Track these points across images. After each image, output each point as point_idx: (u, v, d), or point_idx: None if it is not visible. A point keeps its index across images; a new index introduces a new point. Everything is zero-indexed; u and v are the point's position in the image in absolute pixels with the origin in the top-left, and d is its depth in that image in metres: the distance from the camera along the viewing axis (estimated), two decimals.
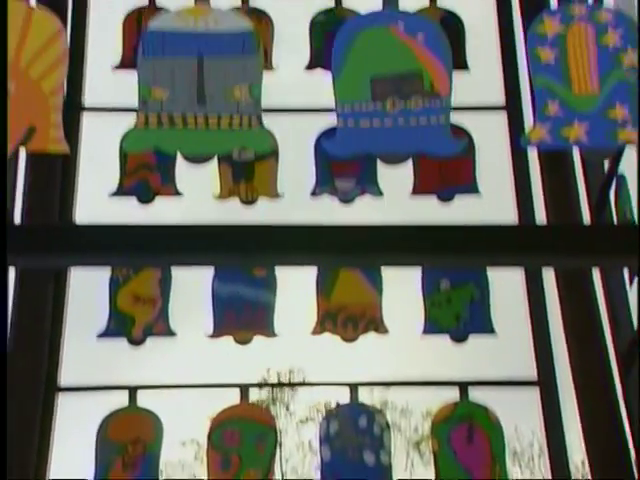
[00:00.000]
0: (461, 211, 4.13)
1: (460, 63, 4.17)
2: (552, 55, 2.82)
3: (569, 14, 2.87)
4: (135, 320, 3.93)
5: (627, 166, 3.50)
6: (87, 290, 4.12)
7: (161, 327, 3.94)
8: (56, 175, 4.04)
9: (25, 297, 3.83)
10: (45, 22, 2.81)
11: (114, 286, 3.96)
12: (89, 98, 4.28)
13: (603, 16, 2.85)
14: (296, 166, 4.41)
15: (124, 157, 4.06)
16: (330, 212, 4.23)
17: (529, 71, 2.94)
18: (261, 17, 4.24)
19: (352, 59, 2.91)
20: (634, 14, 2.96)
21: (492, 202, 4.09)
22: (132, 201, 4.10)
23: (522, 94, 4.21)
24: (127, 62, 4.14)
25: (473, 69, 4.22)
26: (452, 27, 4.19)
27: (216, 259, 2.88)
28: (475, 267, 3.76)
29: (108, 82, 4.39)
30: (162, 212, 4.16)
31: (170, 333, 3.95)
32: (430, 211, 4.11)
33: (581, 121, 2.73)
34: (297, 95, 4.54)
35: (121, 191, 4.09)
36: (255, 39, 2.96)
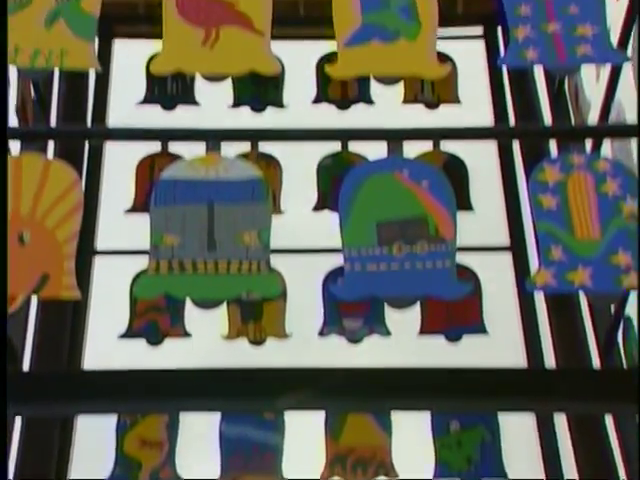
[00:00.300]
0: (469, 350, 4.11)
1: (464, 204, 4.25)
2: (554, 202, 2.88)
3: (569, 163, 2.96)
4: (142, 465, 3.86)
5: (634, 308, 3.51)
6: (93, 433, 4.07)
7: (168, 472, 3.86)
8: (66, 319, 4.06)
9: (30, 443, 3.78)
10: (61, 174, 2.91)
11: (121, 430, 3.90)
12: (100, 241, 4.37)
13: (601, 165, 2.93)
14: (304, 305, 4.43)
15: (134, 300, 4.11)
16: (338, 350, 4.22)
17: (532, 216, 3.00)
18: (270, 162, 4.36)
19: (359, 205, 2.99)
20: (632, 163, 3.05)
21: (499, 342, 4.09)
22: (141, 342, 4.12)
23: (526, 235, 4.27)
24: (139, 206, 4.23)
25: (477, 210, 4.30)
26: (456, 170, 4.29)
27: (224, 405, 2.87)
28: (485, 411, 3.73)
29: (119, 225, 4.47)
30: (170, 352, 4.16)
31: (177, 479, 3.87)
32: (438, 351, 4.10)
33: (585, 266, 2.77)
34: (304, 235, 4.61)
35: (130, 333, 4.11)
36: (264, 186, 3.05)
